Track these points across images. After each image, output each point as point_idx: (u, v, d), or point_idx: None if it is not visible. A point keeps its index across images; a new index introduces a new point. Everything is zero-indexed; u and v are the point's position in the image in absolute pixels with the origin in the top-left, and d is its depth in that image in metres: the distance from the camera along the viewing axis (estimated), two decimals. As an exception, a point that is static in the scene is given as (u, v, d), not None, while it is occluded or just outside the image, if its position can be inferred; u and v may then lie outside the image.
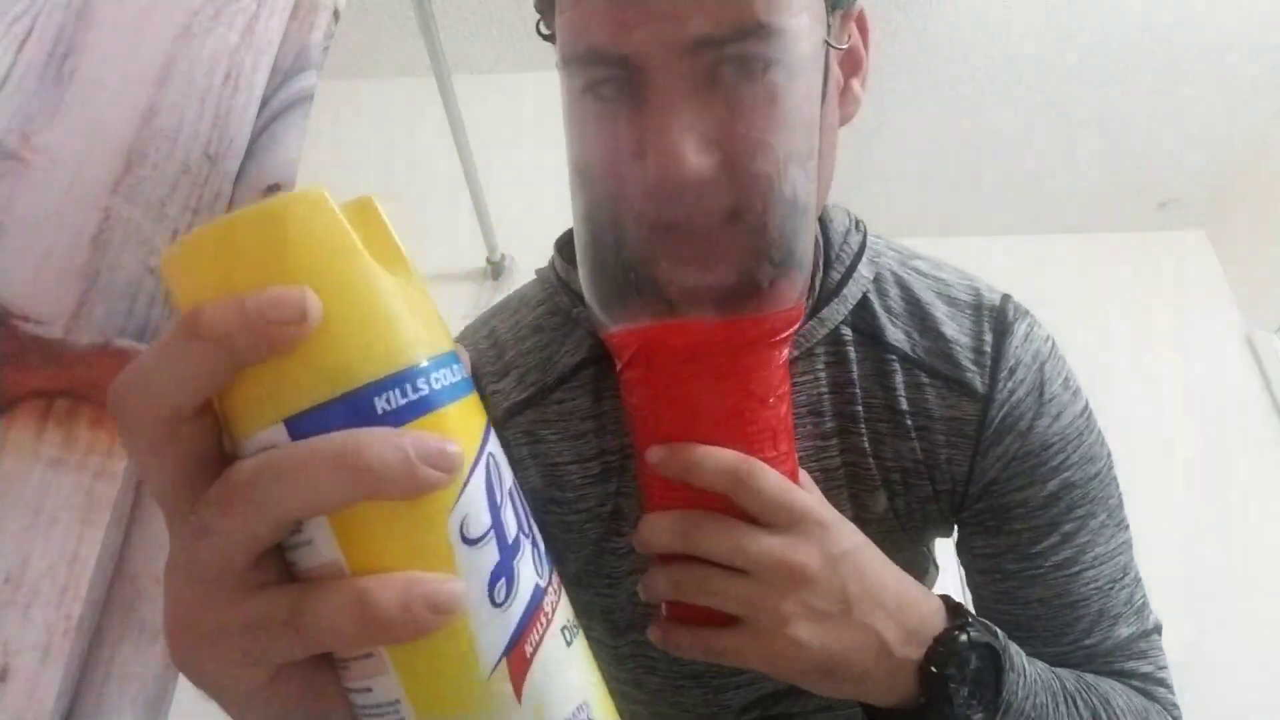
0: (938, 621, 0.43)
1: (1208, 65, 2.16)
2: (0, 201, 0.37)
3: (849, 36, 0.48)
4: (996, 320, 0.55)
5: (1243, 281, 2.72)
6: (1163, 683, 0.54)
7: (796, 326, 0.42)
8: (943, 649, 0.42)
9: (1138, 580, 0.55)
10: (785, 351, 0.42)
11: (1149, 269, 2.78)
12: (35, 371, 0.36)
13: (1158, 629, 0.56)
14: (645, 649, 0.58)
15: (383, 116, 2.00)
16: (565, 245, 0.60)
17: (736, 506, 0.40)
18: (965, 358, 0.54)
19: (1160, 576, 2.37)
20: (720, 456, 0.39)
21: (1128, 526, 0.55)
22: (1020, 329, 0.55)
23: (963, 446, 0.53)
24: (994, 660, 0.44)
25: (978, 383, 0.53)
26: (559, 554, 0.56)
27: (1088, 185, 2.62)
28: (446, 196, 1.79)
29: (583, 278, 0.43)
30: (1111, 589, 0.53)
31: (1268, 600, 2.27)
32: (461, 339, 0.60)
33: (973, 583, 0.56)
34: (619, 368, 0.43)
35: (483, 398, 0.54)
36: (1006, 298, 0.57)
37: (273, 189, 0.43)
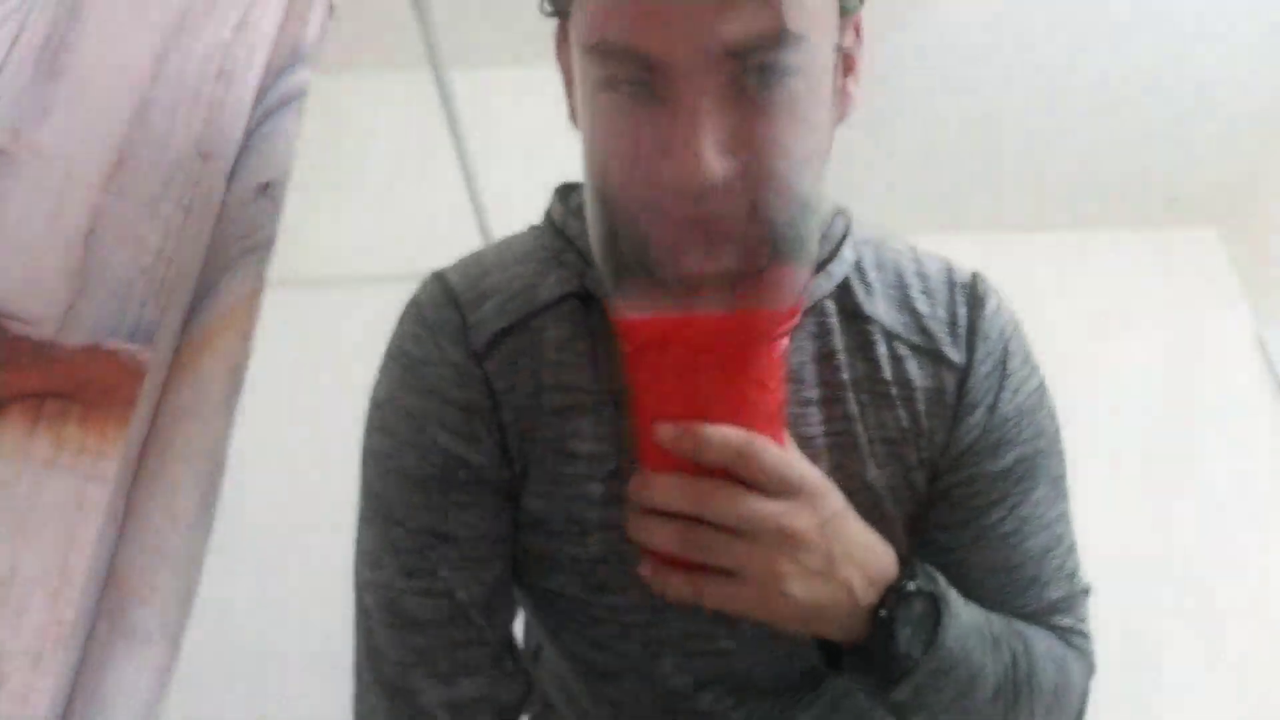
0: (892, 571, 0.49)
1: (1219, 56, 2.15)
2: (-11, 200, 0.37)
3: (849, 38, 0.51)
4: (970, 294, 0.59)
5: (1253, 280, 2.71)
6: (1084, 635, 0.60)
7: (799, 318, 0.46)
8: (893, 594, 0.48)
9: (1071, 548, 0.60)
10: (786, 341, 0.46)
11: (1157, 266, 2.77)
12: (25, 372, 0.35)
13: (1085, 591, 0.61)
14: (620, 611, 0.58)
15: (378, 112, 2.00)
16: (568, 194, 0.62)
17: (730, 474, 0.44)
18: (942, 330, 0.57)
19: (1167, 577, 2.36)
20: (726, 435, 0.44)
21: (1067, 496, 0.60)
22: (991, 303, 0.59)
23: (943, 416, 0.56)
24: (934, 606, 0.49)
25: (955, 354, 0.57)
26: (524, 491, 0.56)
27: (1095, 181, 2.61)
28: (442, 192, 1.79)
29: (598, 259, 0.46)
30: (1045, 556, 0.58)
31: (1275, 604, 2.27)
32: (447, 268, 0.61)
33: (922, 549, 0.59)
34: (627, 348, 0.47)
35: (464, 328, 0.55)
36: (976, 274, 0.61)
37: (266, 187, 0.43)
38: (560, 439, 0.55)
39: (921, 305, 0.57)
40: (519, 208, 1.92)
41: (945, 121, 2.32)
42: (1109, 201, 2.72)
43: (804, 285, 0.45)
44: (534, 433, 0.55)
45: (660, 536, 0.46)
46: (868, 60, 0.53)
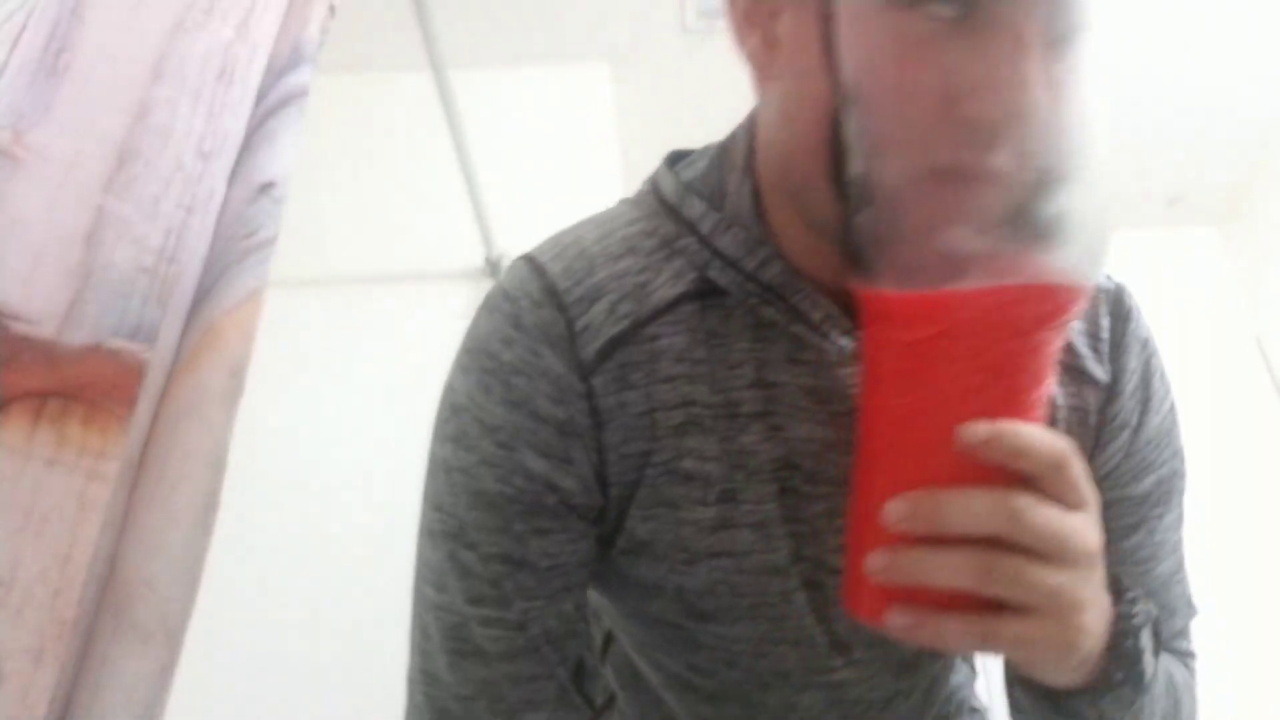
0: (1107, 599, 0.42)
1: (1221, 57, 2.15)
2: (-9, 199, 0.37)
3: None
4: (1115, 305, 0.53)
5: (1254, 281, 2.71)
6: (1195, 658, 0.57)
7: (1084, 303, 0.39)
8: (1130, 620, 0.41)
9: (1187, 571, 0.57)
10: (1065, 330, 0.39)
11: (1157, 267, 2.77)
12: (27, 372, 0.35)
13: (1196, 614, 0.58)
14: (728, 641, 0.52)
15: (379, 112, 2.00)
16: (677, 165, 0.55)
17: (1001, 480, 0.36)
18: (1083, 344, 0.52)
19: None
20: (1047, 440, 0.36)
21: (1184, 519, 0.57)
22: (1136, 316, 0.54)
23: (1085, 438, 0.51)
24: (1156, 629, 0.44)
25: (1099, 371, 0.51)
26: (626, 514, 0.50)
27: (1090, 181, 2.60)
28: (443, 193, 1.79)
29: (859, 226, 0.39)
30: (1172, 580, 0.55)
31: (1276, 605, 2.27)
32: (540, 252, 0.52)
33: None
34: (883, 330, 0.40)
35: (570, 335, 0.48)
36: (1122, 284, 0.54)
37: (268, 187, 0.43)
38: (673, 459, 0.48)
39: None
40: (519, 208, 1.93)
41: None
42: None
43: (1098, 267, 0.38)
44: (643, 455, 0.49)
45: (950, 569, 0.36)
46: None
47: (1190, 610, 0.57)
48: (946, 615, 0.37)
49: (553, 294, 0.49)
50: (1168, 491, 0.54)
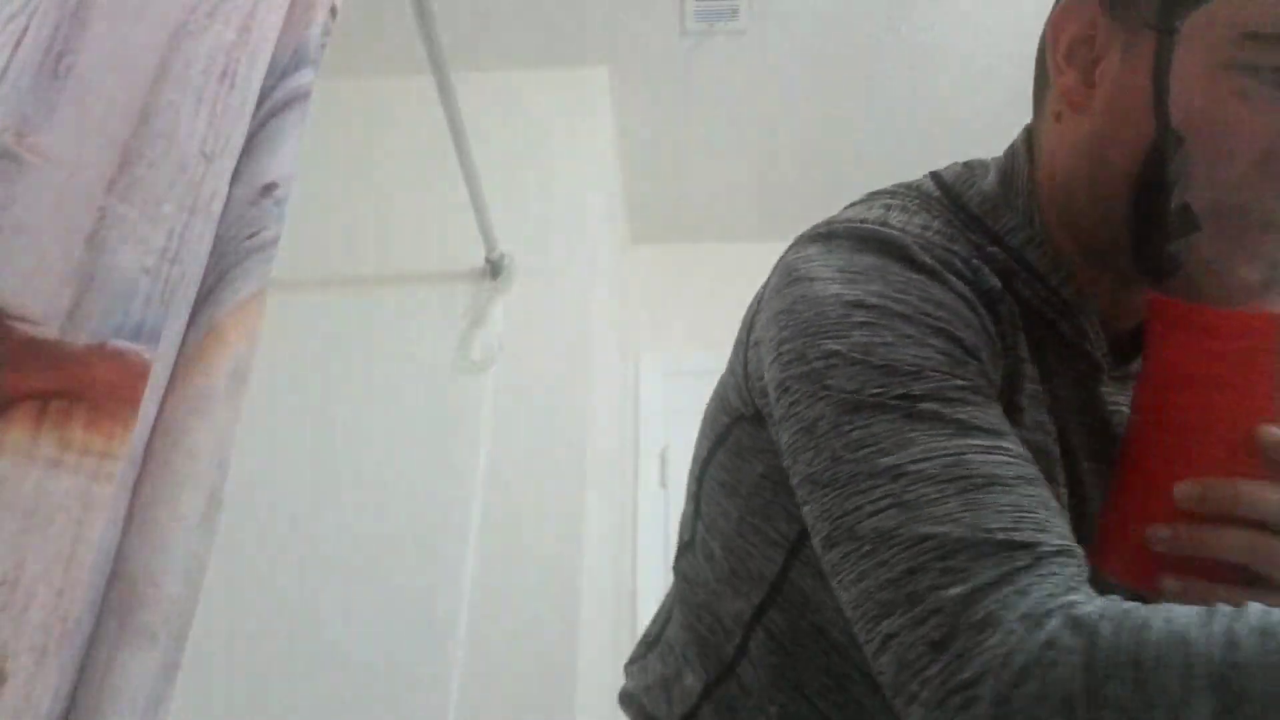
0: None
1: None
2: (-5, 201, 0.37)
3: None
4: None
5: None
6: None
7: None
8: None
9: None
10: None
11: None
12: (31, 373, 0.35)
13: None
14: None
15: (380, 113, 2.00)
16: (965, 180, 0.58)
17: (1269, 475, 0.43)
18: None
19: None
20: None
21: None
22: None
23: None
24: None
25: None
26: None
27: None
28: (444, 194, 1.79)
29: (1176, 251, 0.46)
30: None
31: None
32: (888, 224, 0.53)
33: None
34: (1192, 338, 0.47)
35: (968, 270, 0.50)
36: None
37: (270, 188, 0.43)
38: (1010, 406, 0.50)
39: None
40: (520, 209, 1.92)
41: (948, 123, 2.32)
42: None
43: None
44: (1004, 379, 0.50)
45: (1228, 545, 0.43)
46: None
47: None
48: (1214, 584, 0.43)
49: (926, 245, 0.50)
50: None
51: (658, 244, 2.65)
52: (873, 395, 0.46)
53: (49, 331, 0.36)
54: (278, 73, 0.45)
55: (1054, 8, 0.52)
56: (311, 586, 1.46)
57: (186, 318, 0.40)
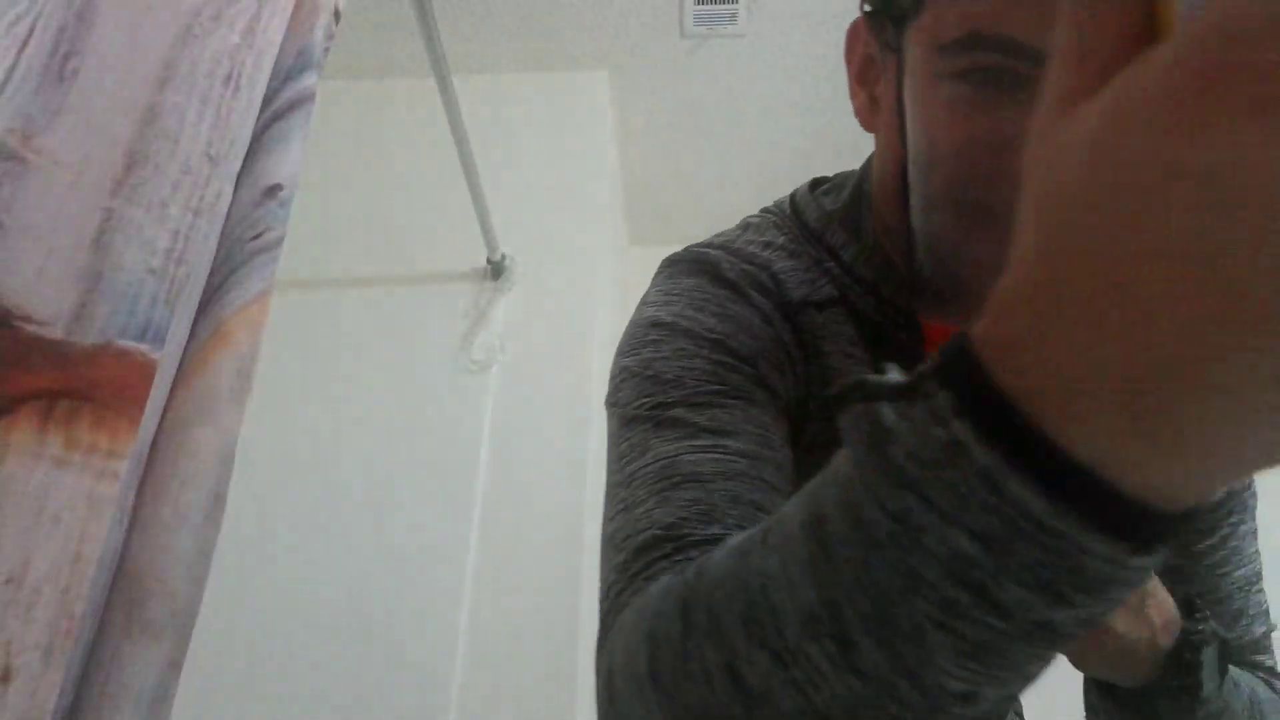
0: (1175, 611, 0.47)
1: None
2: (1, 202, 0.37)
3: None
4: None
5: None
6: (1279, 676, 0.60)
7: None
8: (1193, 636, 0.46)
9: (1263, 584, 0.60)
10: None
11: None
12: (37, 373, 0.36)
13: (1274, 629, 0.60)
14: None
15: (383, 116, 2.00)
16: (816, 191, 0.60)
17: None
18: None
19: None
20: None
21: (1257, 533, 0.60)
22: None
23: None
24: (1225, 650, 0.48)
25: None
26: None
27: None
28: (446, 196, 1.79)
29: (918, 268, 0.47)
30: (1249, 589, 0.58)
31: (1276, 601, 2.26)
32: (719, 246, 0.57)
33: None
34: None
35: (775, 282, 0.51)
36: None
37: (274, 189, 0.43)
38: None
39: None
40: (520, 210, 1.92)
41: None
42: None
43: None
44: (805, 417, 0.52)
45: None
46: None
47: (1269, 622, 0.59)
48: None
49: (744, 256, 0.54)
50: (1241, 503, 0.58)
51: (658, 244, 2.66)
52: (638, 406, 0.50)
53: (55, 332, 0.36)
54: (282, 76, 0.45)
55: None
56: (313, 584, 1.46)
57: (192, 318, 0.41)
